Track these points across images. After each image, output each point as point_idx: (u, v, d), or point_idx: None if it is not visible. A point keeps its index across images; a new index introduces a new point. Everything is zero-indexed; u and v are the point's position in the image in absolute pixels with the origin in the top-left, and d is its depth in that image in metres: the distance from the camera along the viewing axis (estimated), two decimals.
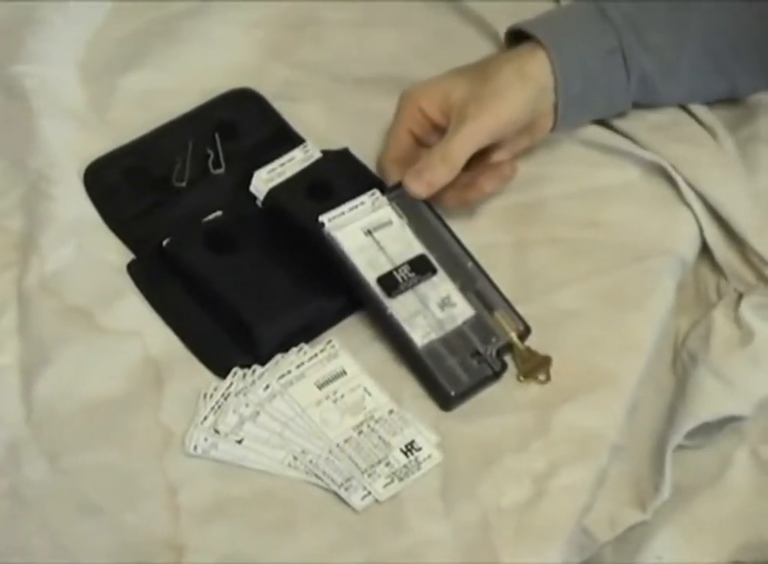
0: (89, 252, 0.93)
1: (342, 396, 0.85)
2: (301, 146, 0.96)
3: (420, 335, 0.87)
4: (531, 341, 0.89)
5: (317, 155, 0.95)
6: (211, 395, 0.85)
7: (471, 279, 0.89)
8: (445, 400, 0.86)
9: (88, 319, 0.90)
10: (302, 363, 0.86)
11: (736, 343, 0.90)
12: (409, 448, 0.83)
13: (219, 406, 0.84)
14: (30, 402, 0.86)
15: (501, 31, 1.01)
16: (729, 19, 0.94)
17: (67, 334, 0.89)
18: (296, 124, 0.99)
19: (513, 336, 0.88)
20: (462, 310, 0.88)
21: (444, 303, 0.88)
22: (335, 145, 0.96)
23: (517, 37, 0.94)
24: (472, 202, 0.92)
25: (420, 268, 0.88)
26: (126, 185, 0.96)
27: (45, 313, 0.90)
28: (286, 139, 0.97)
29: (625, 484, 0.86)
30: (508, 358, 0.88)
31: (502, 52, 0.95)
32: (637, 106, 0.96)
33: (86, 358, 0.88)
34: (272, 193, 0.93)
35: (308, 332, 0.89)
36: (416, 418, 0.85)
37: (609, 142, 0.97)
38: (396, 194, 0.91)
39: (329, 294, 0.89)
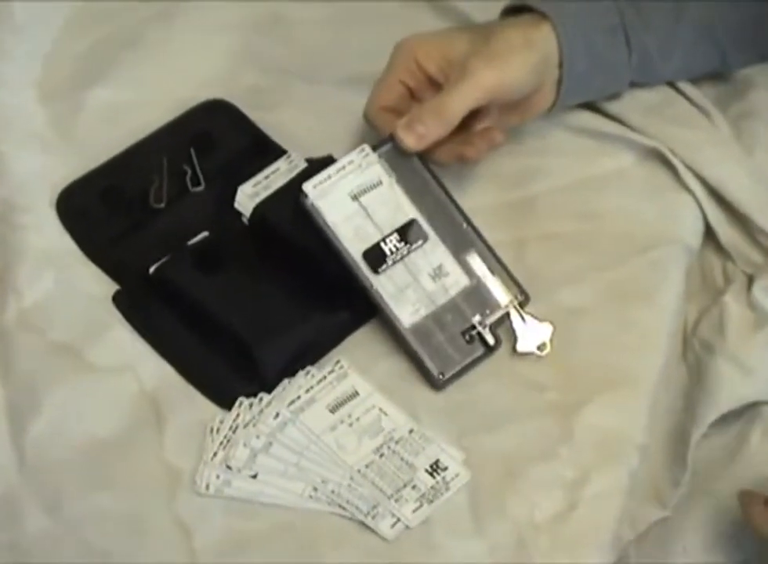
0: (69, 283, 0.88)
1: (358, 419, 0.81)
2: (284, 157, 0.92)
3: (409, 312, 0.83)
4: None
5: (302, 164, 0.91)
6: (218, 429, 0.81)
7: (466, 242, 0.85)
8: (433, 382, 0.82)
9: (76, 355, 0.85)
10: (311, 387, 0.82)
11: (751, 327, 0.87)
12: (434, 468, 0.79)
13: (228, 440, 0.80)
14: (22, 448, 0.82)
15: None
16: None
17: (55, 374, 0.84)
18: (274, 132, 0.94)
19: (512, 303, 0.84)
20: (456, 280, 0.84)
21: (436, 273, 0.84)
22: (317, 150, 0.92)
23: (515, 13, 0.90)
24: (467, 159, 0.87)
25: (410, 236, 0.84)
26: (101, 209, 0.91)
27: (29, 352, 0.85)
28: (265, 149, 0.93)
29: (643, 481, 0.83)
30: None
31: (504, 20, 0.90)
32: (631, 85, 0.93)
33: (78, 397, 0.84)
34: (259, 209, 0.89)
35: (313, 352, 0.85)
36: (437, 435, 0.81)
37: (601, 129, 0.93)
38: (386, 149, 0.85)
39: (330, 308, 0.85)
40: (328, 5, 1.01)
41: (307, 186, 0.84)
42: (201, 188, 0.91)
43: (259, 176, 0.91)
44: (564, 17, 0.87)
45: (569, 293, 0.87)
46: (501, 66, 0.85)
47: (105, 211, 0.91)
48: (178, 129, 0.94)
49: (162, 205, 0.91)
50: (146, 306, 0.87)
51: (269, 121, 0.95)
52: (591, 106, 0.94)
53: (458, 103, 0.85)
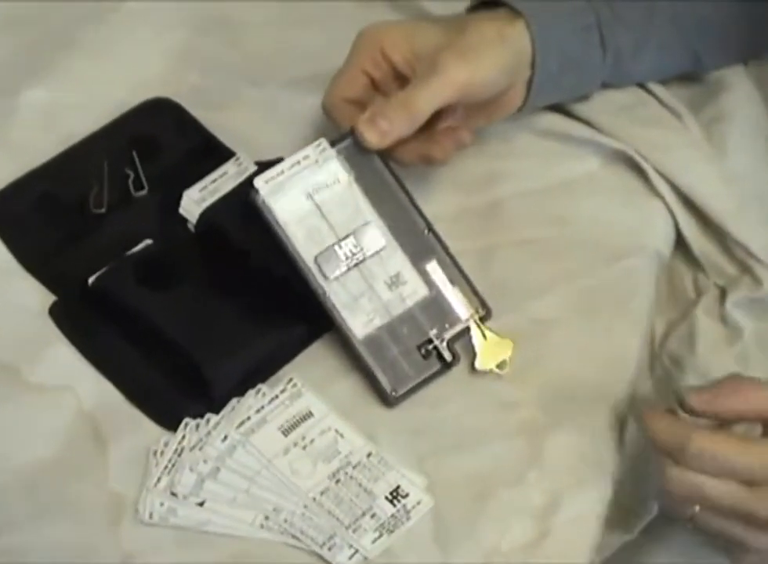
0: (4, 296, 0.83)
1: (312, 441, 0.76)
2: (233, 159, 0.86)
3: (362, 323, 0.78)
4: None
5: (252, 168, 0.86)
6: (162, 453, 0.75)
7: (427, 249, 0.80)
8: (385, 399, 0.77)
9: (13, 374, 0.79)
10: (262, 407, 0.77)
11: (722, 343, 0.84)
12: (395, 495, 0.74)
13: (173, 465, 0.75)
14: None
15: None
16: None
17: None
18: (221, 133, 0.89)
19: (472, 317, 0.79)
20: (414, 289, 0.79)
21: (393, 282, 0.79)
22: (266, 153, 0.86)
23: (487, 7, 0.85)
24: (433, 160, 0.82)
25: (367, 240, 0.79)
26: (38, 216, 0.85)
27: None
28: (212, 151, 0.88)
29: (610, 503, 0.78)
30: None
31: (476, 13, 0.85)
32: (602, 85, 0.88)
33: (16, 419, 0.78)
34: (205, 215, 0.83)
35: (265, 369, 0.79)
36: (398, 459, 0.76)
37: (568, 131, 0.89)
38: (346, 145, 0.79)
39: (284, 321, 0.80)
40: (276, 5, 0.96)
41: (258, 181, 0.78)
42: (144, 192, 0.86)
43: (206, 180, 0.85)
44: (538, 15, 0.83)
45: (539, 304, 0.83)
46: (474, 62, 0.80)
47: (41, 217, 0.85)
48: (119, 130, 0.89)
49: (103, 210, 0.85)
50: (85, 320, 0.81)
51: (216, 121, 0.89)
52: (558, 108, 0.90)
53: (427, 99, 0.79)
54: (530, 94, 0.84)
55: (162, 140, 0.88)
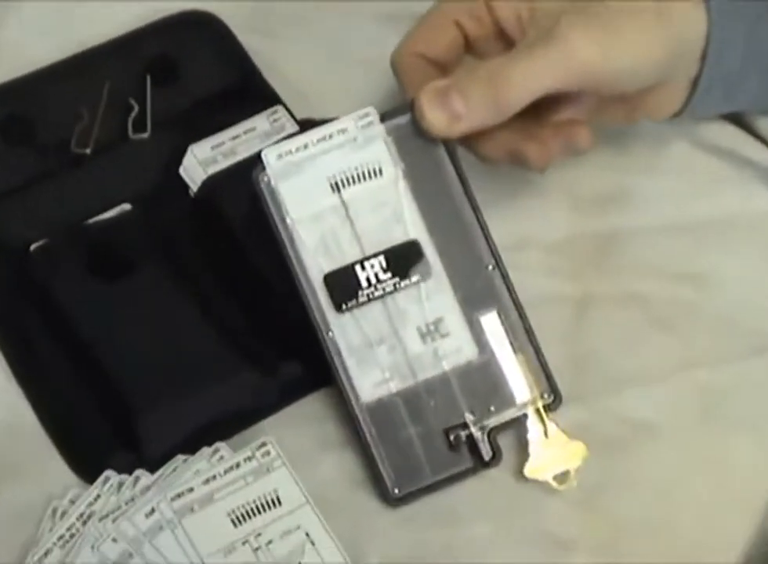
0: None
1: (269, 543, 0.54)
2: (268, 111, 0.66)
3: (373, 382, 0.56)
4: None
5: (291, 128, 0.65)
6: (63, 514, 0.55)
7: (487, 293, 0.57)
8: (385, 495, 0.57)
9: None
10: (213, 477, 0.55)
11: None
12: None
13: (72, 536, 0.55)
14: None
15: None
16: None
17: None
18: (271, 72, 0.69)
19: (533, 404, 0.57)
20: (457, 346, 0.57)
21: (430, 331, 0.57)
22: (326, 108, 0.64)
23: None
24: (528, 163, 0.59)
25: (404, 265, 0.57)
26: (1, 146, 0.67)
27: None
28: (252, 93, 0.68)
29: None
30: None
31: None
32: None
33: None
34: (208, 184, 0.63)
35: (231, 421, 0.58)
36: None
37: (738, 149, 0.66)
38: (402, 123, 0.58)
39: (273, 359, 0.59)
40: None
41: (269, 154, 0.57)
42: (145, 136, 0.67)
43: (224, 135, 0.65)
44: None
45: (635, 395, 0.61)
46: (610, 37, 0.56)
47: (4, 150, 0.66)
48: (134, 46, 0.69)
49: (87, 151, 0.66)
50: (15, 301, 0.61)
51: (269, 54, 0.70)
52: (735, 118, 0.66)
53: (527, 80, 0.56)
54: (692, 97, 0.60)
55: (188, 68, 0.69)
